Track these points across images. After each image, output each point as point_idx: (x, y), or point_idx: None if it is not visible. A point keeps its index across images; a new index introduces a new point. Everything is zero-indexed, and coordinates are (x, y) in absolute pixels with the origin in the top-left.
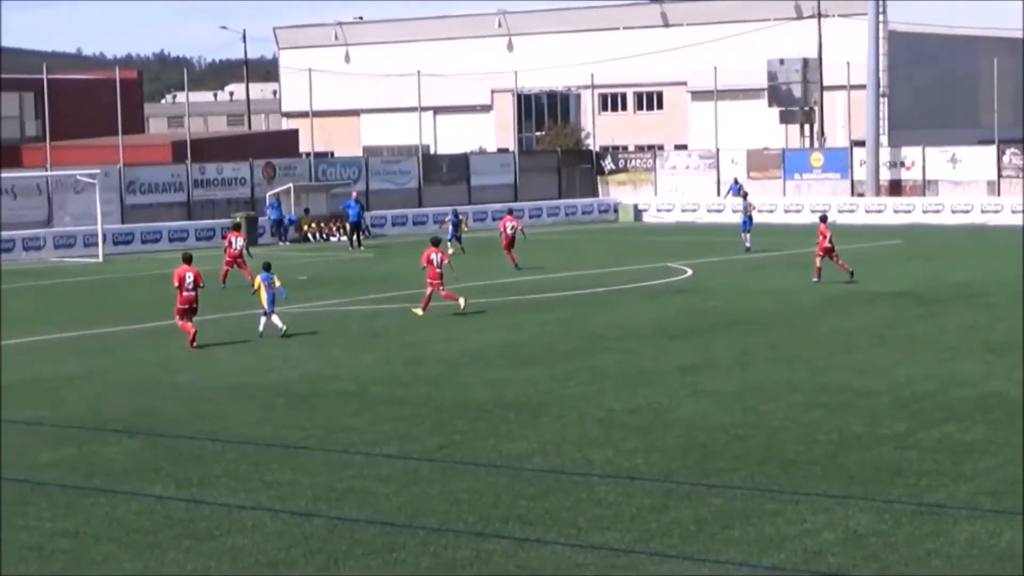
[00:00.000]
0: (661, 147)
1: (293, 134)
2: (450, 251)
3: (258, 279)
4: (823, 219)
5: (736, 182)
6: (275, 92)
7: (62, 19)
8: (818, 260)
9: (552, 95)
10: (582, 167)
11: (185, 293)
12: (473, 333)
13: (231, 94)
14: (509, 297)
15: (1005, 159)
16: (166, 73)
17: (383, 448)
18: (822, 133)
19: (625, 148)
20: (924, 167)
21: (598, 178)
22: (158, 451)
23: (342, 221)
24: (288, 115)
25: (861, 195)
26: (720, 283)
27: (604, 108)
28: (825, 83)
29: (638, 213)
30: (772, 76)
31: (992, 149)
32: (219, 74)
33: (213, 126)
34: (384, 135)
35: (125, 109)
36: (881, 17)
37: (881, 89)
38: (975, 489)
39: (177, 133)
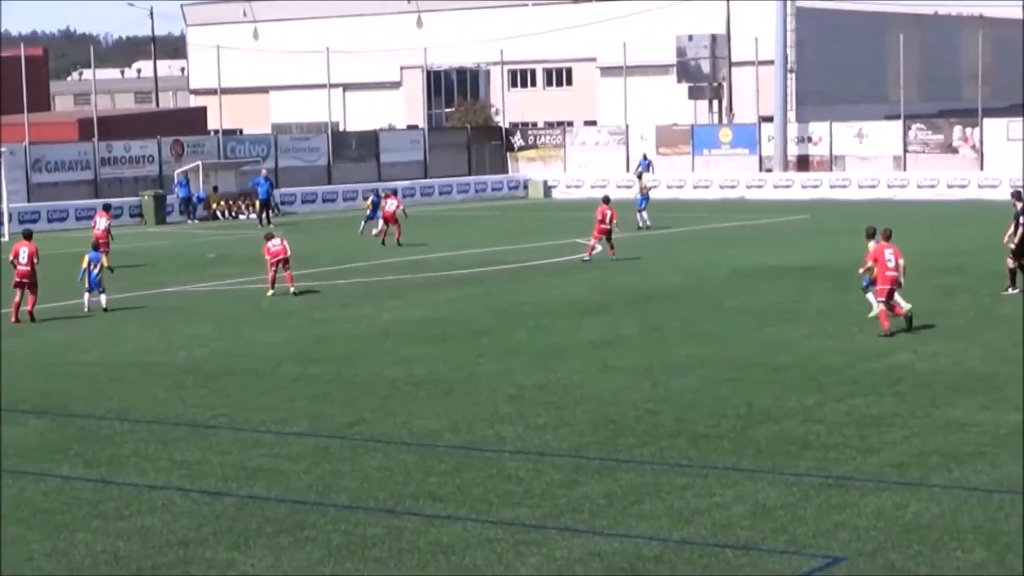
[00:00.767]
0: (571, 123)
1: (201, 111)
2: (373, 232)
3: (86, 257)
4: (606, 200)
5: (645, 158)
6: (183, 69)
7: None
8: (594, 241)
9: (461, 71)
10: (492, 144)
11: (20, 268)
12: (384, 311)
13: (138, 71)
14: (420, 274)
15: (911, 134)
16: (72, 50)
17: (293, 426)
18: (730, 109)
19: (535, 124)
20: (831, 142)
21: (508, 155)
22: (66, 431)
23: (251, 199)
24: (196, 92)
25: (769, 170)
26: (630, 258)
27: (514, 84)
28: (733, 59)
29: (548, 189)
30: (681, 52)
31: (898, 124)
32: (126, 51)
33: (120, 103)
34: (293, 112)
35: (31, 86)
36: None
37: (789, 65)
38: (881, 461)
39: (84, 111)
